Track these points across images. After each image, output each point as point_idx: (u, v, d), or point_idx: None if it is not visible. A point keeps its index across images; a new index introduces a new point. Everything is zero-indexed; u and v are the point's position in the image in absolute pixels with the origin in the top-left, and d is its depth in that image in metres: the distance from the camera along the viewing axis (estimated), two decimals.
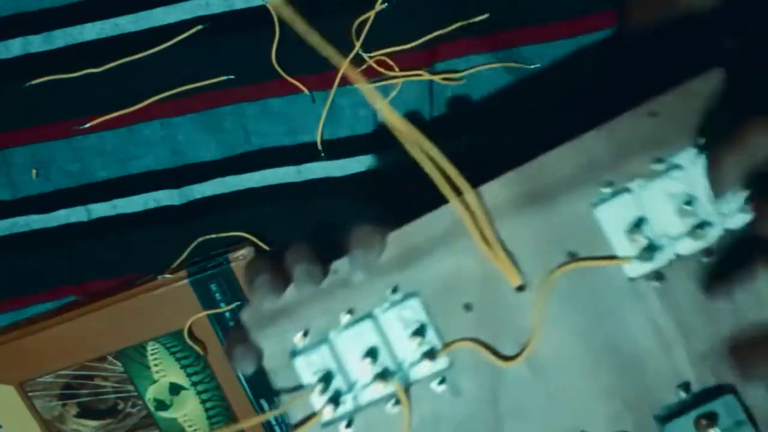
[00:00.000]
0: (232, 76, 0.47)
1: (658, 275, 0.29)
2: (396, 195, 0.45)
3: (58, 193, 0.49)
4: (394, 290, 0.30)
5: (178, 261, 0.48)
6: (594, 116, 0.31)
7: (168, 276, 0.47)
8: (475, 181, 0.30)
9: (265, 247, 0.48)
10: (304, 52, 0.47)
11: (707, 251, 0.28)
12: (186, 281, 0.46)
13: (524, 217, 0.29)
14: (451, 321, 0.30)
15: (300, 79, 0.47)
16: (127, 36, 0.47)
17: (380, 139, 0.47)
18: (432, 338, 0.30)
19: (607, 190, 0.29)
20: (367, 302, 0.30)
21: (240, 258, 0.46)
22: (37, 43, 0.48)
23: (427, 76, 0.46)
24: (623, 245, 0.29)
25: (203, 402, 0.49)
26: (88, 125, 0.48)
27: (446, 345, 0.30)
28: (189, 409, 0.49)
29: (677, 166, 0.29)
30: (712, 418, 0.28)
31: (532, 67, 0.45)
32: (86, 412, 0.49)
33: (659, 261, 0.29)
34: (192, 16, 0.47)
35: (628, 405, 0.29)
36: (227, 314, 0.47)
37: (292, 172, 0.48)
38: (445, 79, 0.45)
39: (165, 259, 0.48)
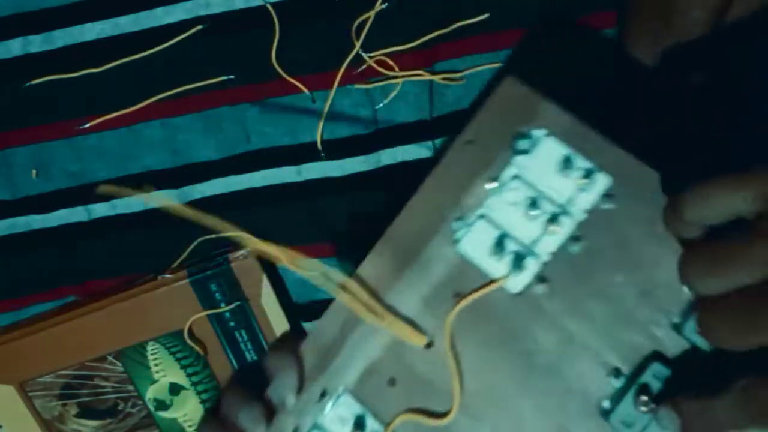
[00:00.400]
0: (232, 76, 0.47)
1: (540, 279, 0.29)
2: (395, 195, 0.45)
3: (58, 193, 0.49)
4: (323, 395, 0.31)
5: (178, 261, 0.48)
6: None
7: (168, 276, 0.47)
8: None
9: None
10: (304, 52, 0.47)
11: (573, 239, 0.29)
12: (186, 281, 0.46)
13: (406, 278, 0.31)
14: (382, 402, 0.31)
15: (300, 79, 0.47)
16: (127, 36, 0.48)
17: (380, 139, 0.47)
18: (373, 425, 0.31)
19: (461, 224, 0.30)
20: (307, 417, 0.32)
21: (240, 258, 0.46)
22: (37, 43, 0.48)
23: (427, 76, 0.45)
24: (495, 267, 0.30)
25: (203, 402, 0.49)
26: (88, 125, 0.48)
27: (387, 426, 0.31)
28: (189, 409, 0.49)
29: (513, 177, 0.30)
30: (646, 391, 0.28)
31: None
32: (86, 412, 0.49)
33: (533, 266, 0.29)
34: (192, 16, 0.47)
35: (571, 416, 0.29)
36: (227, 314, 0.47)
37: (292, 172, 0.48)
38: (445, 79, 0.45)
39: (165, 259, 0.48)
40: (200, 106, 0.48)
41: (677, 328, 0.28)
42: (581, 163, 0.29)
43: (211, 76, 0.47)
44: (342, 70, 0.46)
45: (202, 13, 0.47)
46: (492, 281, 0.30)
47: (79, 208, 0.49)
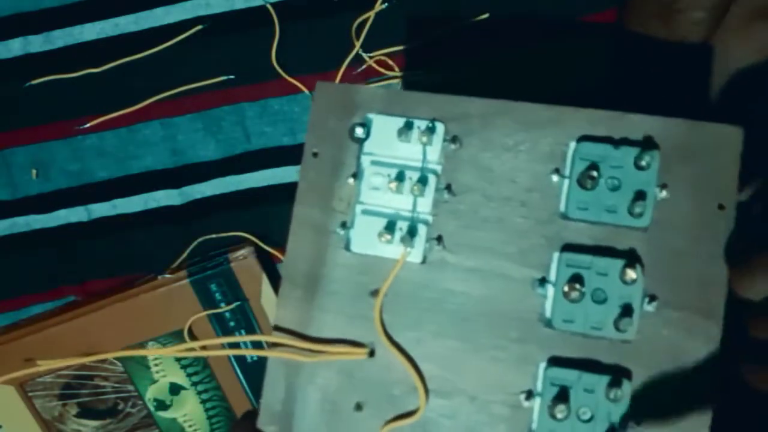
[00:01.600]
0: (232, 76, 0.47)
1: (434, 239, 0.30)
2: None
3: (58, 193, 0.49)
4: None
5: (178, 261, 0.48)
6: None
7: (168, 276, 0.47)
8: None
9: (265, 247, 0.48)
10: (304, 52, 0.47)
11: (442, 189, 0.30)
12: (186, 281, 0.46)
13: (320, 304, 0.31)
14: (358, 431, 0.30)
15: (300, 79, 0.47)
16: (127, 36, 0.48)
17: None
18: None
19: (345, 229, 0.31)
20: None
21: (240, 258, 0.46)
22: (37, 43, 0.48)
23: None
24: (393, 250, 0.30)
25: (203, 402, 0.49)
26: (88, 125, 0.48)
27: None
28: (189, 409, 0.49)
29: (369, 164, 0.31)
30: (574, 280, 0.29)
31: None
32: (86, 412, 0.49)
33: (423, 231, 0.30)
34: (192, 16, 0.47)
35: (526, 341, 0.29)
36: (227, 314, 0.47)
37: (292, 172, 0.48)
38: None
39: (165, 259, 0.48)
40: (200, 106, 0.48)
41: (564, 216, 0.29)
42: (415, 123, 0.31)
43: (211, 76, 0.47)
44: (342, 70, 0.46)
45: (202, 13, 0.47)
46: (396, 261, 0.30)
47: (79, 208, 0.49)
